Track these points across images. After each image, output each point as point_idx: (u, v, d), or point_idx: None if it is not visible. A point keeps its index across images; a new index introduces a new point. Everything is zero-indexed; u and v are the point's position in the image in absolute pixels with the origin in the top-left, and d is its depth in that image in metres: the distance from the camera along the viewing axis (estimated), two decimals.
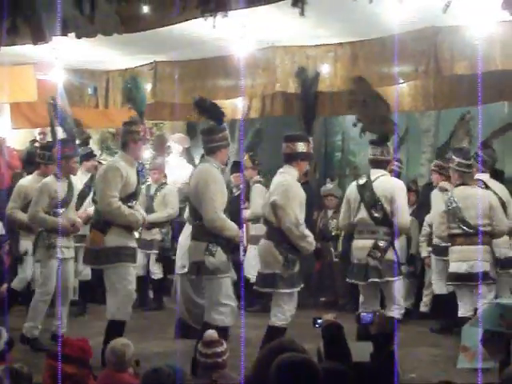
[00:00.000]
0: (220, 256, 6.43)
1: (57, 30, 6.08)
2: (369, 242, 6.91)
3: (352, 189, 7.19)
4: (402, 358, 6.73)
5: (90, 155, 9.67)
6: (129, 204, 6.93)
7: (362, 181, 7.09)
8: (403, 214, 6.92)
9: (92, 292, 10.12)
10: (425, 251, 9.01)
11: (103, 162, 11.25)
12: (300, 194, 6.67)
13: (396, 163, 8.89)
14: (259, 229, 9.38)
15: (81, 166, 8.99)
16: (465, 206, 7.37)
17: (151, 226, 9.46)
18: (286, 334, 6.35)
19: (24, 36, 6.42)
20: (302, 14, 5.19)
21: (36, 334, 7.54)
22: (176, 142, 12.21)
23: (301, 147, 6.70)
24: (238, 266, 7.51)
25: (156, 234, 9.98)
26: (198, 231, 6.55)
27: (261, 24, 7.49)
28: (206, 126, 6.72)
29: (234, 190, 9.62)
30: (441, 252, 8.39)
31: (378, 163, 7.06)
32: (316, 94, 7.34)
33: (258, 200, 9.58)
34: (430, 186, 9.36)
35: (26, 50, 7.63)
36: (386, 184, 6.96)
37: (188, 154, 12.20)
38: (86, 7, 5.43)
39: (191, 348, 6.47)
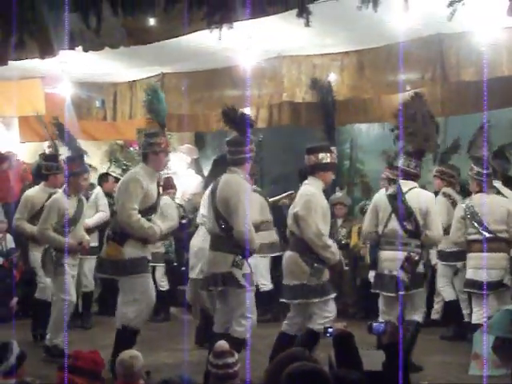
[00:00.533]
0: (246, 268, 6.41)
1: (64, 43, 6.11)
2: (401, 254, 6.77)
3: (381, 198, 7.09)
4: (414, 365, 6.75)
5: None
6: (148, 217, 6.88)
7: (391, 191, 7.01)
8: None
9: (102, 304, 10.15)
10: (435, 258, 8.99)
11: (112, 174, 11.27)
12: (323, 205, 6.65)
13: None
14: (261, 237, 9.41)
15: None
16: (483, 212, 7.41)
17: None
18: (295, 344, 6.34)
19: (32, 50, 6.45)
20: (307, 24, 5.19)
21: (56, 342, 7.52)
22: (184, 153, 12.24)
23: (323, 158, 6.66)
24: None
25: (160, 247, 9.87)
26: (224, 242, 6.42)
27: (267, 34, 7.52)
28: (233, 137, 6.67)
29: None
30: (446, 257, 8.42)
31: (409, 175, 6.98)
32: (334, 102, 7.29)
33: (255, 209, 9.60)
34: (439, 193, 9.34)
35: (33, 63, 7.67)
36: (420, 197, 6.89)
37: (196, 164, 12.23)
38: (92, 21, 5.45)
39: (202, 359, 6.47)
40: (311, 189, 6.65)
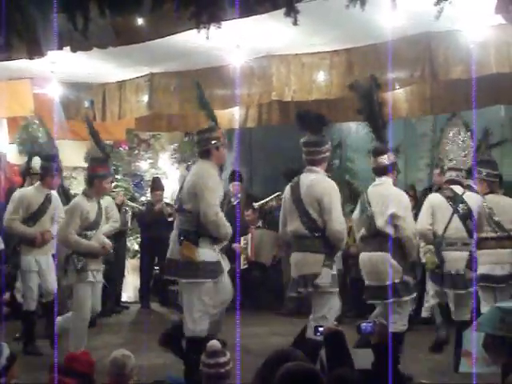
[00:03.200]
0: (334, 269, 6.46)
1: (52, 44, 6.09)
2: (465, 254, 7.15)
3: (439, 199, 7.37)
4: (405, 363, 6.75)
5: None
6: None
7: (448, 193, 7.33)
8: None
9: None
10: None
11: None
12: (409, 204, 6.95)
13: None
14: None
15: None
16: (497, 211, 7.73)
17: None
18: (286, 343, 6.33)
19: (20, 51, 6.43)
20: (295, 23, 5.20)
21: None
22: None
23: (391, 157, 6.89)
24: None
25: None
26: (312, 243, 6.42)
27: (255, 33, 7.52)
28: (309, 137, 6.59)
29: (233, 200, 9.61)
30: None
31: (455, 182, 7.44)
32: (380, 100, 7.30)
33: None
34: (428, 191, 9.38)
35: (22, 64, 7.65)
36: (474, 199, 7.34)
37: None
38: (79, 22, 5.43)
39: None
40: (394, 188, 6.84)
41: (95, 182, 7.32)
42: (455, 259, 7.16)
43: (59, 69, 8.73)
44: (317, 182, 6.48)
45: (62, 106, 9.73)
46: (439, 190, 7.84)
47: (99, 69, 9.29)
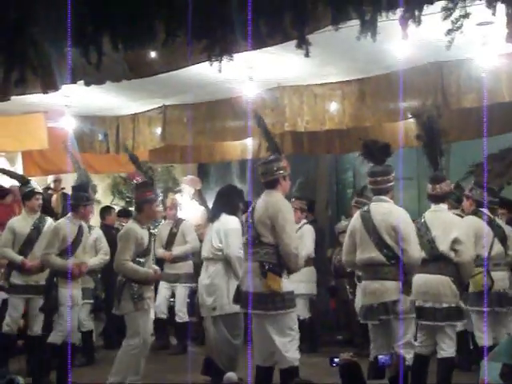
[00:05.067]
0: (411, 295, 6.58)
1: (66, 78, 6.14)
2: (508, 274, 7.54)
3: (480, 223, 7.50)
4: None
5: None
6: None
7: (484, 217, 7.53)
8: None
9: (107, 338, 10.07)
10: None
11: (115, 206, 11.27)
12: None
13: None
14: None
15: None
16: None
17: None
18: (301, 373, 6.28)
19: (34, 85, 6.48)
20: (306, 55, 5.22)
21: None
22: (188, 184, 12.28)
23: (446, 186, 7.05)
24: None
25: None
26: (390, 270, 6.51)
27: (268, 64, 7.56)
28: (375, 167, 6.75)
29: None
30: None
31: (481, 204, 7.62)
32: (439, 130, 7.33)
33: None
34: None
35: (36, 98, 7.71)
36: (505, 223, 7.86)
37: (200, 195, 12.26)
38: (92, 56, 5.48)
39: None
40: (453, 215, 7.17)
41: (145, 207, 7.22)
42: (502, 279, 7.47)
43: (73, 102, 8.80)
44: (391, 210, 6.65)
45: (75, 139, 9.79)
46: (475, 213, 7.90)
47: (112, 102, 9.37)
